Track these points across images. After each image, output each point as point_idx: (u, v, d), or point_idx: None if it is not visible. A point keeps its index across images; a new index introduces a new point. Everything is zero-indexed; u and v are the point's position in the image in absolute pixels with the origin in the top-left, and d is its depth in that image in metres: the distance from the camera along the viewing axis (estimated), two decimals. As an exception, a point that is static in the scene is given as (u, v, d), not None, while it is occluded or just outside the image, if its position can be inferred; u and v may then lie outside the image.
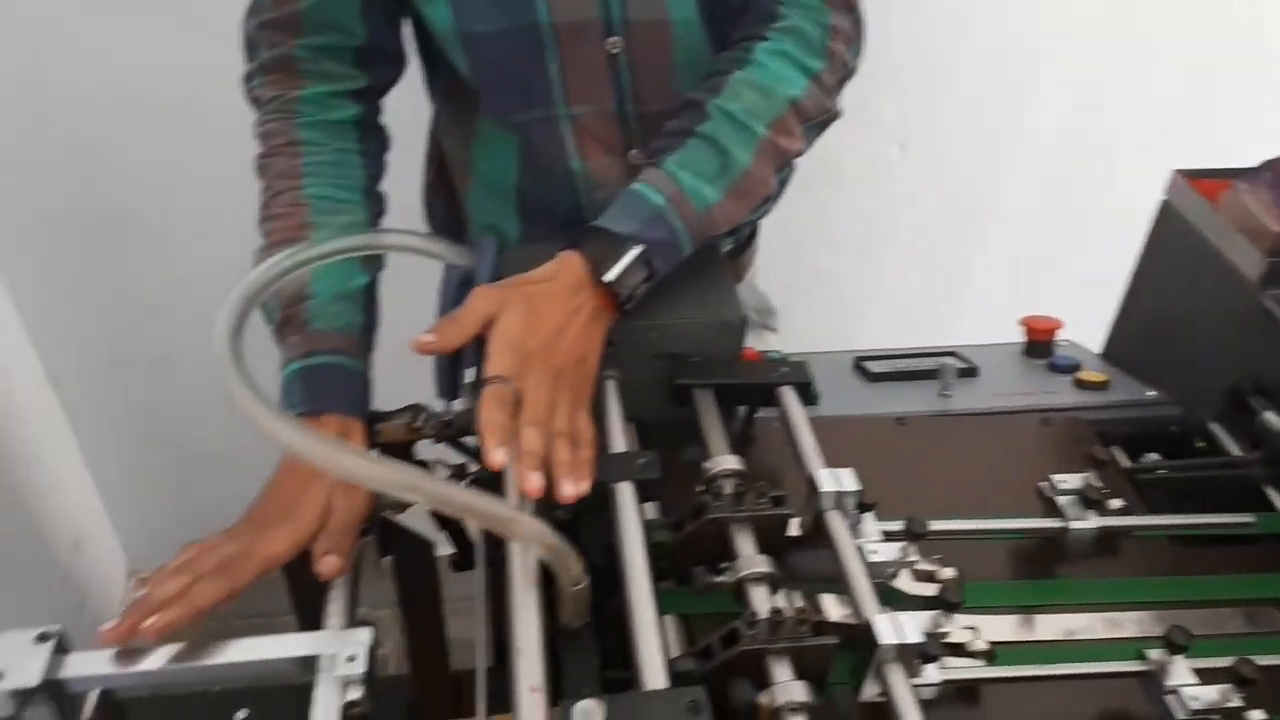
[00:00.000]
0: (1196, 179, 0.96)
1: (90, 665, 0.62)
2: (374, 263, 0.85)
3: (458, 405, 0.79)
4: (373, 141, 0.91)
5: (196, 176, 1.48)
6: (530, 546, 0.60)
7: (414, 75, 1.00)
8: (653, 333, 0.81)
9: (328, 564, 0.68)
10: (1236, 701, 0.62)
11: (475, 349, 0.72)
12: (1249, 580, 0.78)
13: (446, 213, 1.07)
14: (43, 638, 0.61)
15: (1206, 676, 0.64)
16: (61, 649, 0.61)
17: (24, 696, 0.59)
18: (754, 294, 1.25)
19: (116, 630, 0.62)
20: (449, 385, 0.76)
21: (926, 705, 0.64)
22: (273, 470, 0.75)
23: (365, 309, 0.82)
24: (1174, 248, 0.97)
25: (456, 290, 0.75)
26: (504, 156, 0.96)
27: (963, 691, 0.67)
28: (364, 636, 0.62)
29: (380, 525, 0.74)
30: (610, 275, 0.74)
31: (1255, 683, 0.62)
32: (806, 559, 0.73)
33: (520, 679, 0.55)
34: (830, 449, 0.77)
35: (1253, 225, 0.88)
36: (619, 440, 0.73)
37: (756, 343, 1.25)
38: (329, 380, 0.76)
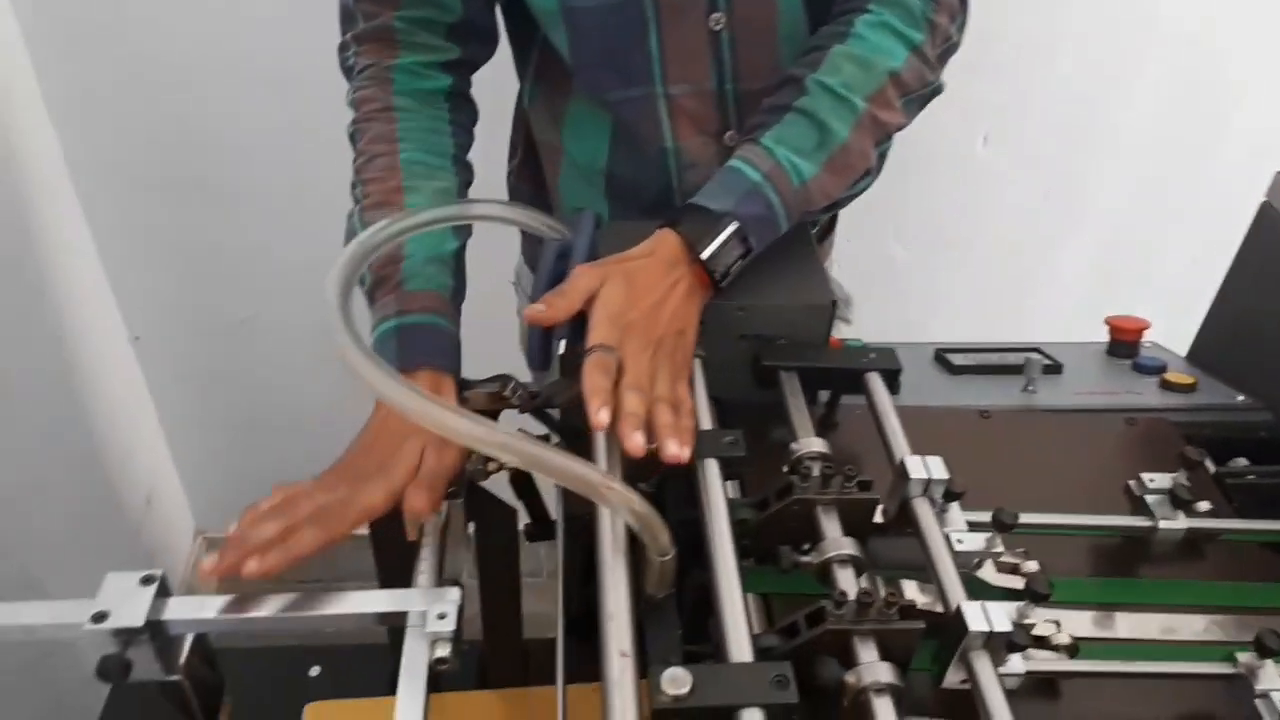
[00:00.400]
0: (1302, 179, 0.94)
1: (190, 610, 0.64)
2: (464, 229, 0.87)
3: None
4: (463, 112, 0.93)
5: (284, 143, 1.52)
6: (620, 513, 0.60)
7: (492, 64, 1.02)
8: (740, 313, 0.81)
9: (417, 498, 0.68)
10: (1330, 709, 0.61)
11: (570, 325, 0.73)
12: (1341, 591, 0.76)
13: (532, 197, 1.08)
14: (146, 580, 0.63)
15: (1296, 684, 0.63)
16: (164, 592, 0.63)
17: (128, 635, 0.61)
18: (833, 284, 1.24)
19: (217, 566, 0.63)
20: (542, 357, 0.76)
21: (1008, 695, 0.64)
22: (361, 428, 0.77)
23: (455, 273, 0.84)
24: (1273, 249, 0.95)
25: (554, 263, 0.76)
26: (595, 139, 0.97)
27: (1044, 684, 0.66)
28: (454, 595, 0.64)
29: (468, 490, 0.75)
30: (706, 252, 0.75)
31: (1351, 691, 0.60)
32: (887, 546, 0.73)
33: (610, 643, 0.56)
34: (913, 438, 0.76)
35: (1358, 230, 0.86)
36: (705, 418, 0.73)
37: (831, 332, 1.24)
38: (423, 337, 0.78)
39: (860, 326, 1.28)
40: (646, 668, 0.56)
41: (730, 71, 0.90)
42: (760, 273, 0.83)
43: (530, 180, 1.09)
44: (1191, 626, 0.72)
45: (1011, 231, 1.64)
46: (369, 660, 0.95)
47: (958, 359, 1.00)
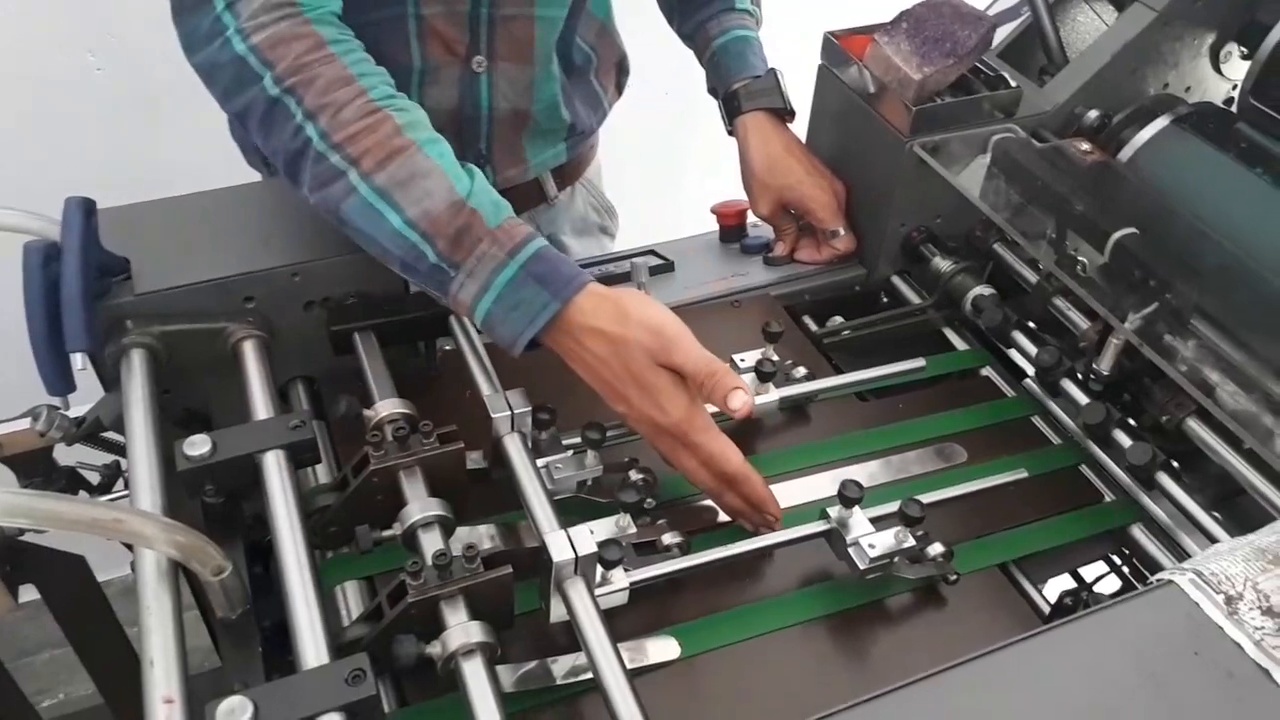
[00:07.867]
0: (846, 38, 0.97)
1: None
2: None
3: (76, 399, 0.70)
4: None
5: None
6: (149, 542, 0.53)
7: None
8: (296, 278, 0.74)
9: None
10: (911, 541, 0.64)
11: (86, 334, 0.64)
12: (928, 421, 0.81)
13: None
14: None
15: (887, 523, 0.65)
16: None
17: None
18: (595, 193, 1.19)
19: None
20: (62, 380, 0.66)
21: (622, 610, 0.63)
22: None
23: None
24: (835, 109, 0.99)
25: (41, 270, 0.64)
26: None
27: (661, 588, 0.65)
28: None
29: (7, 552, 0.64)
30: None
31: (921, 520, 0.63)
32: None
33: (153, 691, 0.50)
34: (524, 370, 0.73)
35: (897, 76, 0.90)
36: (261, 407, 0.66)
37: (593, 248, 1.18)
38: (553, 261, 0.69)
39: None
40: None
41: None
42: (307, 227, 0.76)
43: None
44: (802, 491, 0.74)
45: (642, 142, 1.66)
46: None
47: (572, 277, 0.97)
